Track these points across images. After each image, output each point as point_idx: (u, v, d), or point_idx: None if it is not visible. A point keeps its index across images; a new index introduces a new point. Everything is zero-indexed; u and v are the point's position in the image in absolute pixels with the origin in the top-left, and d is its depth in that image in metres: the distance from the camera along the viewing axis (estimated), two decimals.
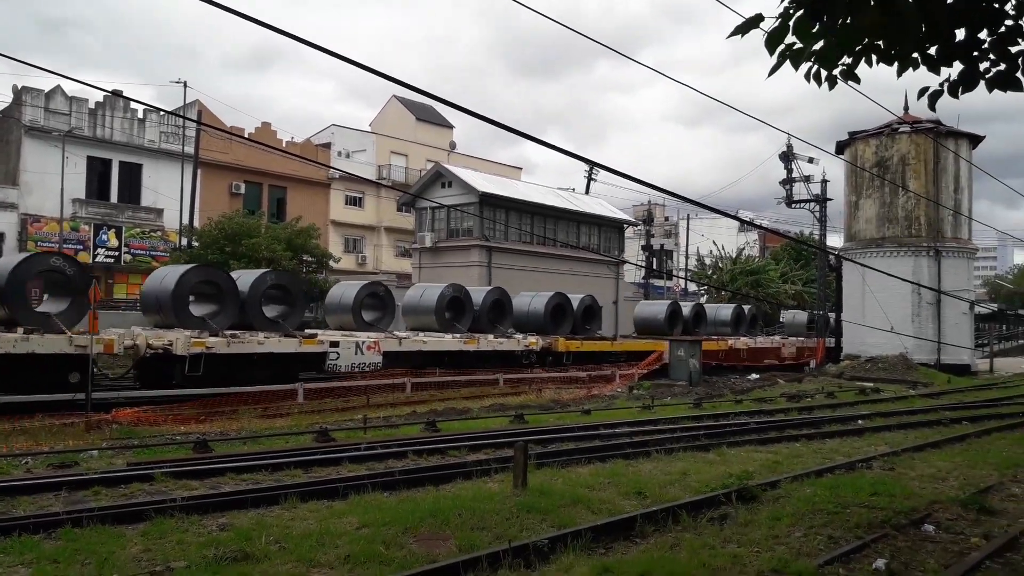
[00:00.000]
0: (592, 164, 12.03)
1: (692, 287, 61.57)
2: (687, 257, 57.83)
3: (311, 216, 41.31)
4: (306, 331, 19.39)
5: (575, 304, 26.37)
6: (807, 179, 38.06)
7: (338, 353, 18.67)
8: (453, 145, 53.75)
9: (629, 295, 41.78)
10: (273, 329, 18.18)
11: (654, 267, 58.89)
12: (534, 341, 23.49)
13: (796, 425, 15.15)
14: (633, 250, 52.90)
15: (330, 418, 15.67)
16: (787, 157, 37.90)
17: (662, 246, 62.46)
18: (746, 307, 35.72)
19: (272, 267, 28.65)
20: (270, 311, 18.74)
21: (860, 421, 16.07)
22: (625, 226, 43.51)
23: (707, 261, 56.45)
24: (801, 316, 38.54)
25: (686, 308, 31.40)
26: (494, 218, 35.34)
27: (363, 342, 19.37)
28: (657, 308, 30.63)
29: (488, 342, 22.34)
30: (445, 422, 14.26)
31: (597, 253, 39.09)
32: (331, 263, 33.72)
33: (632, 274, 53.05)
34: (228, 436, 12.87)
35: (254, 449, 11.36)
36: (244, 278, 18.62)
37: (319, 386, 18.35)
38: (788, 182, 38.13)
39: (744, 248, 55.92)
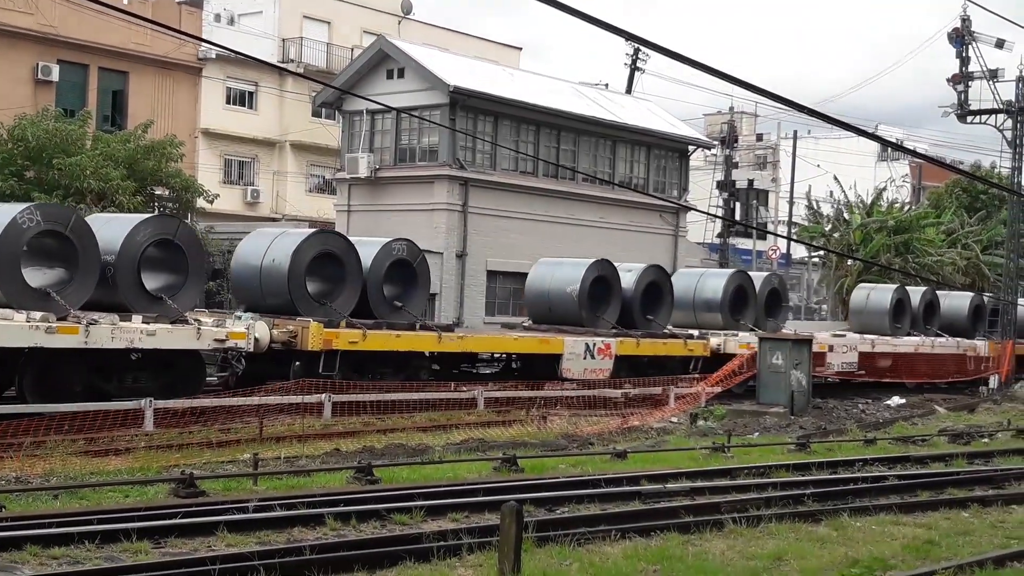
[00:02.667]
0: (639, 42, 12.07)
1: (798, 251, 61.73)
2: (792, 202, 57.97)
3: (169, 121, 41.01)
4: None
5: (367, 257, 22.99)
6: (993, 75, 38.06)
7: None
8: (408, 7, 53.44)
9: (695, 262, 41.96)
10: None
11: (737, 217, 59.05)
12: (241, 332, 19.77)
13: (963, 482, 15.28)
14: (704, 188, 53.00)
15: (198, 457, 15.75)
16: (961, 38, 37.84)
17: (751, 183, 62.59)
18: (754, 276, 32.92)
19: (102, 204, 28.63)
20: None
21: None
22: (691, 149, 43.53)
23: (825, 209, 56.57)
24: (881, 296, 36.29)
25: (630, 274, 28.63)
26: (474, 130, 35.31)
27: None
28: (565, 273, 28.07)
29: (117, 331, 17.97)
30: (388, 467, 14.35)
31: (644, 192, 39.14)
32: (203, 201, 33.65)
33: (701, 229, 53.21)
34: (28, 485, 12.89)
35: (71, 506, 11.38)
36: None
37: (180, 404, 18.45)
38: (962, 80, 38.11)
39: (886, 188, 56.07)
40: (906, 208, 56.21)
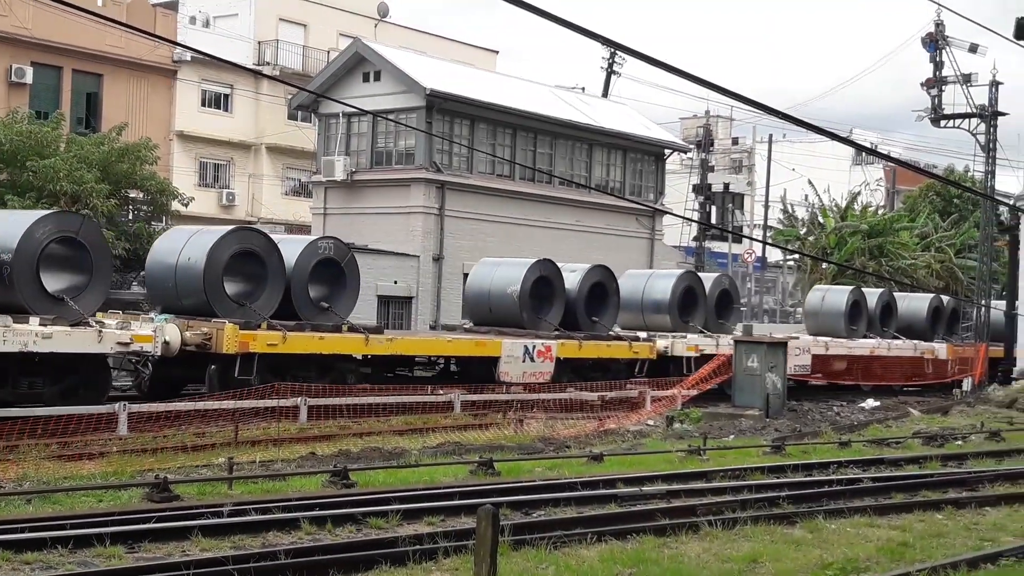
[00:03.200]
0: (614, 46, 12.09)
1: (774, 254, 62.00)
2: (767, 206, 58.22)
3: (144, 124, 40.85)
4: None
5: (291, 255, 21.88)
6: (967, 79, 38.34)
7: None
8: (384, 10, 53.39)
9: (671, 265, 42.06)
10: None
11: (713, 221, 59.24)
12: (147, 335, 18.67)
13: (937, 484, 15.36)
14: (680, 192, 53.19)
15: (172, 461, 15.65)
16: (935, 43, 38.11)
17: (727, 186, 62.83)
18: (704, 277, 31.65)
19: (76, 206, 28.45)
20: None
21: None
22: (667, 152, 43.65)
23: (799, 212, 56.88)
24: (837, 298, 35.27)
25: (574, 274, 27.63)
26: (451, 134, 35.30)
27: None
28: (506, 273, 27.14)
29: (9, 334, 17.18)
30: (364, 471, 14.30)
31: (620, 196, 39.21)
32: (178, 204, 33.51)
33: (677, 232, 53.36)
34: (1, 489, 12.78)
35: (43, 511, 11.31)
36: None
37: (155, 408, 18.34)
38: (936, 84, 38.39)
39: (860, 192, 56.43)
40: (880, 212, 56.58)
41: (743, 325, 32.11)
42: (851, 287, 37.21)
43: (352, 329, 22.51)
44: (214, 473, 14.23)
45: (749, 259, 60.42)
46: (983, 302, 38.28)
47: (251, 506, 11.45)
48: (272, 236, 22.55)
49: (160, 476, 12.45)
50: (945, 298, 40.08)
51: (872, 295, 36.47)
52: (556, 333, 26.27)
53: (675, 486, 14.11)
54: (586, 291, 27.57)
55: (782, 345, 26.56)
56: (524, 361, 24.85)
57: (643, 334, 28.51)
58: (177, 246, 21.38)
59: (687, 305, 30.29)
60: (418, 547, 9.99)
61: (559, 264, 27.53)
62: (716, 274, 34.91)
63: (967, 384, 34.80)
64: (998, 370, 36.23)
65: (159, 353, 19.14)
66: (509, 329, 26.10)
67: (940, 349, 36.47)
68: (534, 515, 12.09)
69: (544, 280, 26.82)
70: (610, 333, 27.84)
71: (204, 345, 19.86)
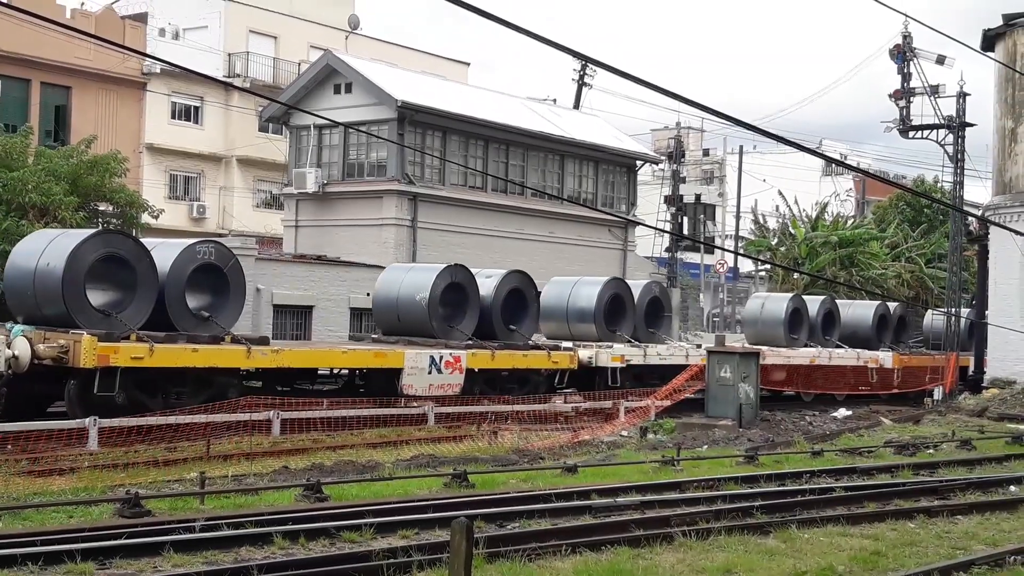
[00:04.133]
0: (586, 60, 12.17)
1: (746, 265, 62.33)
2: (739, 217, 58.51)
3: (113, 136, 40.64)
4: None
5: (165, 261, 20.40)
6: (934, 91, 38.65)
7: None
8: (356, 22, 53.40)
9: (644, 276, 42.20)
10: None
11: (685, 231, 59.55)
12: None
13: (909, 493, 15.45)
14: (652, 203, 53.40)
15: (144, 476, 15.58)
16: (903, 54, 38.43)
17: (698, 197, 63.14)
18: (633, 285, 30.81)
19: (45, 220, 28.27)
20: None
21: (1014, 488, 16.43)
22: (639, 163, 43.85)
23: (770, 223, 57.18)
24: (776, 306, 34.69)
25: (490, 280, 26.40)
26: (423, 145, 35.31)
27: None
28: (415, 279, 25.97)
29: None
30: (337, 484, 14.27)
31: (593, 207, 39.33)
32: (148, 216, 33.35)
33: (649, 243, 53.60)
34: None
35: (13, 528, 11.24)
36: None
37: (126, 423, 18.22)
38: (904, 95, 38.69)
39: (829, 202, 56.78)
40: (849, 222, 56.98)
41: (716, 335, 32.24)
42: (791, 294, 36.95)
43: (235, 340, 21.02)
44: (186, 488, 14.17)
45: (721, 270, 60.70)
46: (952, 311, 38.50)
47: (223, 521, 11.40)
48: (146, 240, 21.00)
49: (131, 491, 12.38)
50: (892, 305, 39.73)
51: (813, 303, 35.87)
52: (468, 343, 25.00)
53: (649, 497, 14.14)
54: (502, 298, 26.43)
55: (755, 355, 26.68)
56: (430, 373, 23.45)
57: (567, 344, 27.63)
58: (37, 250, 19.62)
59: (614, 314, 29.37)
60: (392, 561, 9.98)
61: (474, 270, 26.52)
62: (645, 281, 33.75)
63: (938, 393, 34.97)
64: (967, 378, 36.47)
65: (3, 369, 17.86)
66: (419, 339, 24.87)
67: (885, 358, 36.01)
68: (508, 527, 12.10)
69: (456, 286, 25.62)
70: (529, 343, 26.77)
71: (60, 359, 18.28)
